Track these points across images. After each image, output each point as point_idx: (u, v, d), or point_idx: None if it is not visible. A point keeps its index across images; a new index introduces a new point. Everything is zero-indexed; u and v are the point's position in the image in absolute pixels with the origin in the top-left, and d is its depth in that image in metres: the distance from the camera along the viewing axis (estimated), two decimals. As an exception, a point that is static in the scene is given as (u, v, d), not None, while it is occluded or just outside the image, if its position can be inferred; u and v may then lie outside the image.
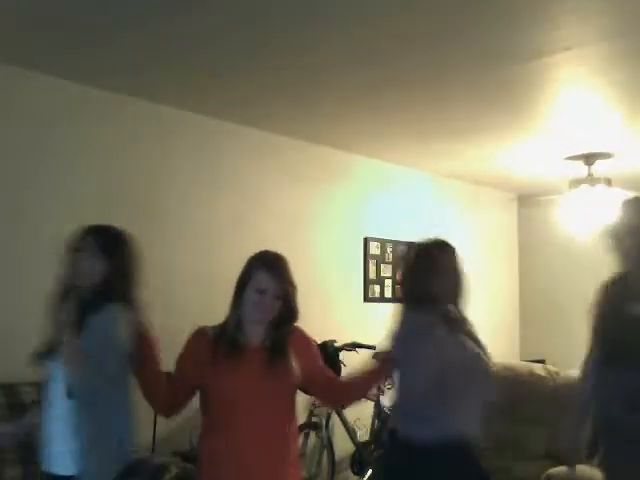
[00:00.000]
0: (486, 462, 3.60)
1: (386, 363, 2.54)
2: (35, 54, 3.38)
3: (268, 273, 2.34)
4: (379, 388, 4.93)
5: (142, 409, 3.79)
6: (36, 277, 3.58)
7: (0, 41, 3.24)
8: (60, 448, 2.21)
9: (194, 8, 2.82)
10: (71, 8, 2.85)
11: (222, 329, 2.38)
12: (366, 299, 5.55)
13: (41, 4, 2.82)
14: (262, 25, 3.02)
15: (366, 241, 5.56)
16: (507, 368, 3.97)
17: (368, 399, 4.87)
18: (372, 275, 5.60)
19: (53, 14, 2.91)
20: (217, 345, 2.34)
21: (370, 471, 4.68)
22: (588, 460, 2.75)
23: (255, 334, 2.37)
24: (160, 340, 3.96)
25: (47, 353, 2.29)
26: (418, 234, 6.40)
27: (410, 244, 2.90)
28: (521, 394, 3.76)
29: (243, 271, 2.39)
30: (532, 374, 3.83)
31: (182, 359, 2.43)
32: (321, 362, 2.54)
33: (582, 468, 3.34)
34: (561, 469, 3.30)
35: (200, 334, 2.41)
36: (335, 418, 4.69)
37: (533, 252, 7.18)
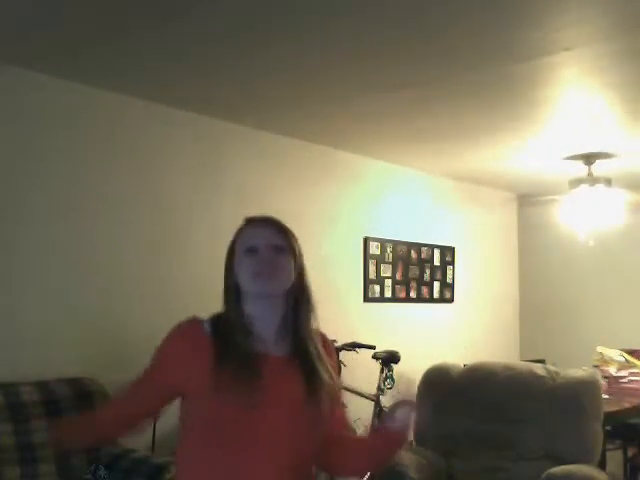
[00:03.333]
0: (486, 462, 3.62)
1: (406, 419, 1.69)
2: (35, 54, 3.38)
3: (255, 225, 1.77)
4: (379, 387, 4.94)
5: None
6: (35, 276, 3.59)
7: (0, 41, 3.24)
8: None
9: (195, 10, 2.83)
10: (71, 8, 2.85)
11: (223, 321, 1.72)
12: (366, 299, 5.55)
13: (41, 4, 2.82)
14: (263, 25, 3.02)
15: (366, 241, 5.56)
16: (507, 368, 3.96)
17: (368, 399, 4.88)
18: (372, 275, 5.60)
19: (53, 14, 2.91)
20: (220, 347, 1.66)
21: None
22: None
23: (270, 329, 1.74)
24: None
25: None
26: (418, 234, 6.46)
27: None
28: (521, 394, 3.75)
29: (228, 250, 1.80)
30: (532, 374, 3.82)
31: (163, 357, 1.75)
32: (342, 401, 1.90)
33: (581, 468, 3.35)
34: (561, 469, 3.30)
35: (193, 325, 1.74)
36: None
37: (533, 252, 7.18)
